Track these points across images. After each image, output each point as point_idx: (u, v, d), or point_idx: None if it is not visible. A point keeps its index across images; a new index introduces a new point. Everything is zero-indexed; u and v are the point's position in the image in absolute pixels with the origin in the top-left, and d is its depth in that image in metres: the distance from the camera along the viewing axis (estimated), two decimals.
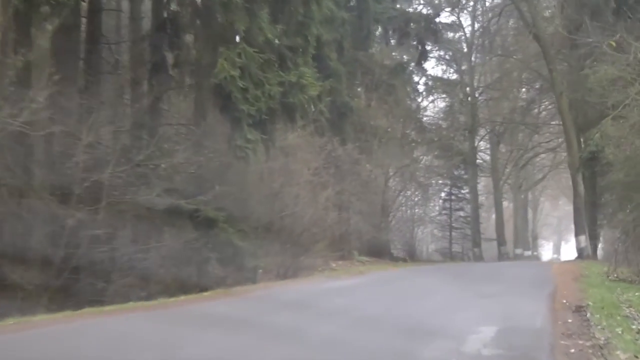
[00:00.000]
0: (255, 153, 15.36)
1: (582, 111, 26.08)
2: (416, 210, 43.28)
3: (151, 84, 17.09)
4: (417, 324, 8.36)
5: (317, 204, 21.95)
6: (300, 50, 16.03)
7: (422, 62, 33.88)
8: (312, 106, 16.58)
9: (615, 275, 16.12)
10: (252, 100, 14.92)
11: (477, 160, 40.97)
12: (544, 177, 52.72)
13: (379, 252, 29.63)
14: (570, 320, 9.11)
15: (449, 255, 41.66)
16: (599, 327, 8.32)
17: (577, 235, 24.63)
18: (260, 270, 19.73)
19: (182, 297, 11.35)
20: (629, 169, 16.86)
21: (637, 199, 16.09)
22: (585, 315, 9.47)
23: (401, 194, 39.15)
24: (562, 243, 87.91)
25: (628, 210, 16.38)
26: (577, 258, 28.37)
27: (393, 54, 33.71)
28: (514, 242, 50.73)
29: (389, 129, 30.62)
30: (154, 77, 17.11)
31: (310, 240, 21.33)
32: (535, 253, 61.37)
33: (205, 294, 12.30)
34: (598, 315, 9.25)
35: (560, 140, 49.85)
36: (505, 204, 58.79)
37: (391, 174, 30.12)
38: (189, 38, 18.09)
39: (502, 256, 42.67)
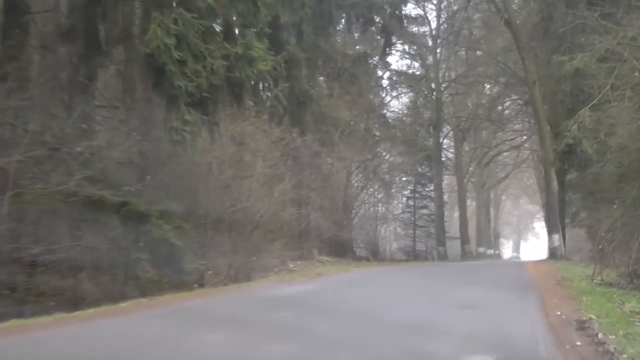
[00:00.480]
0: (194, 137, 12.85)
1: (554, 103, 24.18)
2: (379, 208, 41.22)
3: (79, 59, 14.41)
4: (380, 355, 6.00)
5: (273, 198, 19.51)
6: (250, 19, 13.50)
7: (387, 51, 31.71)
8: (264, 84, 14.07)
9: (600, 279, 14.04)
10: (191, 75, 12.42)
11: (442, 158, 38.87)
12: (507, 176, 51.10)
13: (340, 251, 27.35)
14: (579, 343, 6.89)
15: (412, 254, 39.63)
16: (625, 356, 6.08)
17: (550, 233, 22.63)
18: (210, 272, 17.34)
19: (79, 314, 8.74)
20: (622, 158, 14.78)
21: (628, 192, 13.99)
22: (596, 335, 7.23)
23: (364, 190, 37.05)
24: (521, 242, 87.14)
25: (615, 206, 14.25)
26: (549, 258, 26.67)
27: (357, 47, 31.46)
28: (477, 240, 49.03)
29: (352, 122, 28.31)
30: (84, 52, 14.47)
31: (264, 238, 18.90)
32: (497, 252, 59.89)
33: (123, 305, 9.73)
34: (613, 336, 7.01)
35: (524, 138, 48.41)
36: (467, 202, 57.20)
37: (353, 169, 27.77)
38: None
39: (465, 255, 40.82)
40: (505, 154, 52.09)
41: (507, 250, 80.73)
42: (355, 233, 38.55)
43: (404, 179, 40.67)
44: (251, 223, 18.23)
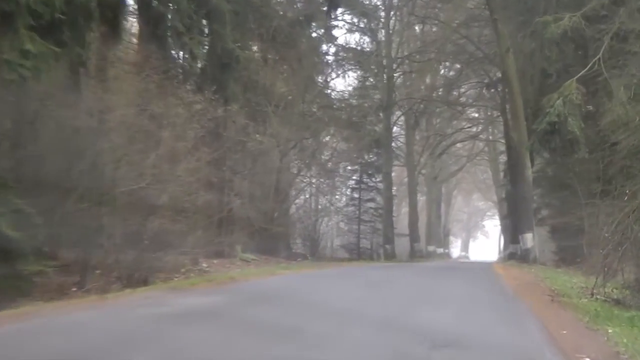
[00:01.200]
0: (39, 75, 8.77)
1: (525, 81, 21.01)
2: (321, 199, 37.61)
3: None
4: None
5: (182, 179, 15.59)
6: None
7: (331, 16, 27.89)
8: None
9: (605, 293, 10.71)
10: None
11: (391, 145, 35.50)
12: (461, 168, 48.32)
13: (273, 247, 23.51)
14: None
15: (356, 252, 36.17)
16: None
17: (521, 232, 19.29)
18: (98, 271, 13.42)
19: None
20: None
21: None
22: None
23: (301, 176, 33.39)
24: (471, 241, 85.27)
25: (626, 197, 10.92)
26: (516, 260, 23.80)
27: (297, 6, 27.57)
28: (427, 238, 46.05)
29: (290, 97, 24.51)
30: None
31: (170, 229, 15.02)
32: (446, 251, 57.25)
33: None
34: None
35: (479, 127, 45.65)
36: (417, 196, 54.24)
37: (289, 149, 23.94)
38: None
39: (414, 254, 37.69)
40: (459, 145, 49.33)
41: (455, 249, 78.62)
42: (293, 227, 35.08)
43: (348, 167, 37.13)
44: (148, 208, 14.40)
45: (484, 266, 22.65)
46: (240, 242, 19.62)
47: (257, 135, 19.95)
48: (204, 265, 16.45)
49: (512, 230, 35.12)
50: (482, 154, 49.26)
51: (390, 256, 31.37)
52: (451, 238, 70.91)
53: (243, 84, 20.34)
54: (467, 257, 76.94)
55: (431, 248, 45.54)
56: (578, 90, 15.63)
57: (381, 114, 33.97)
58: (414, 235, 38.03)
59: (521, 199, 18.84)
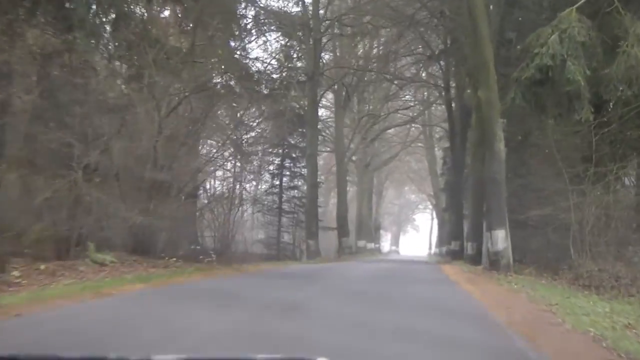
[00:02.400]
0: None
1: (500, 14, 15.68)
2: (237, 185, 31.62)
3: None
4: None
5: None
6: None
7: None
8: None
9: None
10: None
11: (318, 123, 29.88)
12: (396, 156, 43.23)
13: (150, 243, 17.33)
14: None
15: (276, 249, 30.46)
16: None
17: (490, 228, 13.74)
18: None
19: None
20: None
21: None
22: None
23: (212, 158, 27.38)
24: (401, 234, 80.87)
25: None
26: (469, 261, 18.71)
27: None
28: (357, 232, 40.78)
29: (185, 50, 18.35)
30: None
31: None
32: (377, 245, 52.28)
33: None
34: None
35: (415, 113, 40.65)
36: (347, 188, 48.96)
37: (174, 106, 17.57)
38: None
39: (343, 250, 32.24)
40: (391, 131, 44.26)
41: (385, 244, 73.95)
42: (200, 217, 29.03)
43: (269, 150, 31.28)
44: None
45: (430, 271, 17.18)
46: (95, 237, 13.43)
47: (123, 87, 13.76)
48: (14, 274, 10.29)
49: (454, 225, 30.20)
50: (418, 141, 44.38)
51: (314, 253, 25.74)
52: (381, 232, 66.18)
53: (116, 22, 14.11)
54: (398, 252, 72.54)
55: (361, 243, 40.33)
56: (581, 22, 10.41)
57: (306, 87, 28.14)
58: (342, 229, 32.56)
59: (490, 182, 13.40)
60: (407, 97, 38.18)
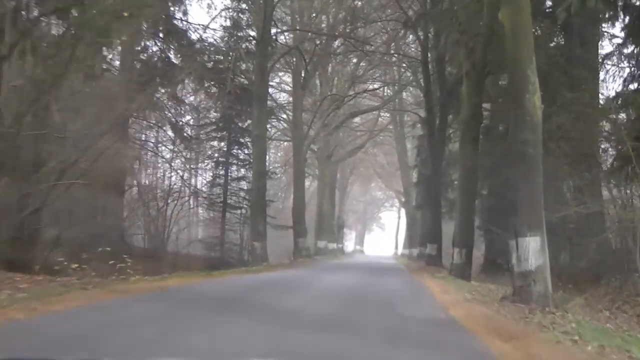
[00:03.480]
0: None
1: None
2: (174, 175, 26.01)
3: None
4: None
5: None
6: None
7: None
8: None
9: None
10: None
11: (267, 97, 24.44)
12: (362, 146, 37.96)
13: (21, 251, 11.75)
14: None
15: (219, 250, 24.95)
16: None
17: (519, 234, 8.19)
18: None
19: None
20: None
21: None
22: None
23: (142, 142, 21.72)
24: (366, 233, 75.70)
25: None
26: (455, 274, 13.64)
27: None
28: (317, 231, 35.44)
29: None
30: None
31: None
32: (340, 245, 47.02)
33: None
34: None
35: (385, 94, 35.44)
36: (307, 181, 43.49)
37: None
38: None
39: (299, 252, 26.91)
40: (357, 120, 39.03)
41: (349, 243, 68.83)
42: (131, 213, 23.44)
43: (213, 134, 25.74)
44: None
45: (414, 294, 11.65)
46: None
47: None
48: None
49: (431, 225, 25.11)
50: (386, 131, 39.23)
51: (260, 258, 20.25)
52: (345, 230, 61.00)
53: None
54: (363, 252, 67.53)
55: (322, 244, 34.99)
56: None
57: (254, 56, 22.63)
58: (298, 228, 27.20)
59: (518, 160, 8.06)
60: (376, 77, 32.93)
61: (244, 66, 24.18)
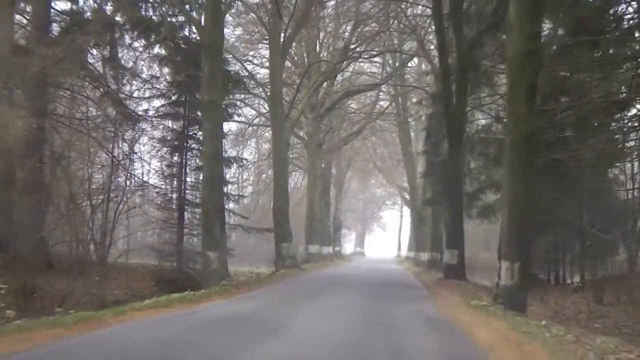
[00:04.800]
0: None
1: None
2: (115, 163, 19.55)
3: None
4: None
5: None
6: None
7: None
8: None
9: None
10: None
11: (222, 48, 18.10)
12: (359, 132, 31.57)
13: None
14: None
15: (176, 259, 18.49)
16: None
17: None
18: None
19: None
20: None
21: None
22: None
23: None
24: (366, 234, 69.21)
25: None
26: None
27: None
28: (307, 234, 29.08)
29: None
30: None
31: None
32: (337, 249, 40.68)
33: None
34: None
35: (386, 71, 29.01)
36: (296, 175, 37.23)
37: None
38: None
39: (282, 261, 20.64)
40: (354, 105, 32.72)
41: (349, 245, 62.48)
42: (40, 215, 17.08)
43: (164, 109, 19.31)
44: None
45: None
46: None
47: None
48: None
49: (451, 226, 18.81)
50: (386, 116, 32.84)
51: (217, 274, 13.85)
52: (344, 231, 54.66)
53: None
54: (364, 254, 61.23)
55: (314, 248, 28.65)
56: None
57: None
58: (282, 231, 20.89)
59: None
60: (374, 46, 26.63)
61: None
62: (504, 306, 9.93)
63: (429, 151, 23.33)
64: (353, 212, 60.04)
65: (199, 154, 18.61)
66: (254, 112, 30.61)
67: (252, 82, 22.94)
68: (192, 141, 19.32)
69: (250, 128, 32.04)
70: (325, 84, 26.23)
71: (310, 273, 20.80)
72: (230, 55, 20.93)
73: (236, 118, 31.67)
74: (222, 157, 15.02)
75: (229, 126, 34.69)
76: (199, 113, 17.72)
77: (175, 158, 19.25)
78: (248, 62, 26.34)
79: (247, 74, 21.65)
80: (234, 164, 18.84)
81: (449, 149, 18.55)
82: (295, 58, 25.15)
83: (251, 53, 26.32)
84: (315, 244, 28.46)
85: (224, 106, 18.09)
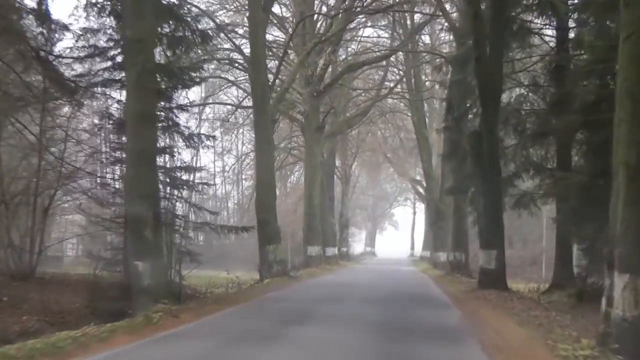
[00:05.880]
0: None
1: None
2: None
3: None
4: None
5: None
6: None
7: None
8: None
9: None
10: None
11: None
12: (366, 113, 26.66)
13: None
14: None
15: (124, 271, 13.69)
16: None
17: None
18: None
19: None
20: None
21: None
22: None
23: None
24: (377, 233, 64.07)
25: None
26: None
27: None
28: (306, 234, 24.26)
29: None
30: None
31: None
32: (344, 249, 35.76)
33: None
34: None
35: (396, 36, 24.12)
36: (297, 173, 32.62)
37: None
38: None
39: (268, 268, 15.93)
40: (359, 82, 27.82)
41: (358, 244, 57.43)
42: None
43: (103, 74, 14.51)
44: None
45: None
46: None
47: None
48: None
49: (489, 219, 13.84)
50: (394, 95, 27.93)
51: (153, 293, 9.13)
52: (353, 230, 49.72)
53: None
54: (374, 254, 56.21)
55: (314, 250, 23.78)
56: None
57: None
58: (268, 231, 16.15)
59: None
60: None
61: None
62: (624, 356, 5.15)
63: (451, 127, 18.39)
64: (362, 209, 55.05)
65: (160, 132, 13.76)
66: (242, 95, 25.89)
67: (227, 41, 18.13)
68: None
69: (239, 113, 27.27)
70: (324, 54, 21.52)
71: (302, 283, 15.93)
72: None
73: (223, 100, 27.01)
74: (153, 120, 10.16)
75: (216, 110, 30.01)
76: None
77: (124, 138, 14.49)
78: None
79: (215, 27, 16.77)
80: (198, 141, 13.96)
81: (483, 116, 13.71)
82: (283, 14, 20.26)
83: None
84: (315, 244, 23.60)
85: (183, 68, 13.44)
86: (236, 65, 22.50)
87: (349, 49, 27.27)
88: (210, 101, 26.23)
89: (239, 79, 24.96)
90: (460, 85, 17.33)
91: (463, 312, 10.03)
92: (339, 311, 9.65)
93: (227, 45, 19.94)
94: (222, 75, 24.59)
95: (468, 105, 17.19)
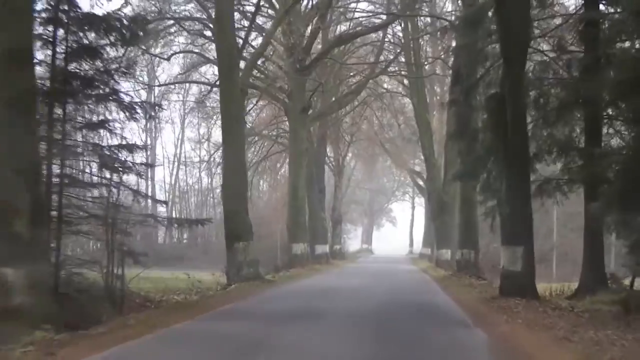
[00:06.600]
0: None
1: None
2: None
3: None
4: None
5: None
6: None
7: None
8: None
9: None
10: None
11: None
12: (358, 92, 23.53)
13: None
14: None
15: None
16: None
17: None
18: None
19: None
20: None
21: None
22: None
23: None
24: (374, 229, 60.85)
25: None
26: None
27: None
28: (291, 230, 21.15)
29: None
30: None
31: None
32: (337, 247, 32.65)
33: None
34: None
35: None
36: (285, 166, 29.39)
37: None
38: None
39: (235, 269, 12.84)
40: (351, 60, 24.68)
41: (354, 242, 54.31)
42: None
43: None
44: None
45: None
46: None
47: None
48: None
49: (514, 206, 10.60)
50: (389, 74, 24.80)
51: (31, 315, 6.05)
52: (348, 226, 46.62)
53: None
54: (371, 251, 53.12)
55: (298, 248, 20.63)
56: None
57: None
58: (238, 225, 13.05)
59: None
60: None
61: None
62: None
63: (459, 101, 15.21)
64: (358, 204, 51.94)
65: (92, 102, 10.56)
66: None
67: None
68: (78, 82, 11.34)
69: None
70: (311, 23, 18.54)
71: (278, 288, 12.77)
72: None
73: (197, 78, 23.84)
74: (29, 62, 7.02)
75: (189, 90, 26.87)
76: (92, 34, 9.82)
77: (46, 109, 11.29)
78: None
79: None
80: (144, 112, 10.76)
81: (504, 75, 10.63)
82: None
83: None
84: (301, 242, 20.46)
85: (122, 19, 10.28)
86: (210, 36, 19.40)
87: (341, 25, 24.18)
88: (180, 80, 23.12)
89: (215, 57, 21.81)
90: (470, 51, 14.28)
91: (489, 336, 6.93)
92: (307, 341, 6.49)
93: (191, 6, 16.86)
94: (195, 51, 21.50)
95: (479, 75, 14.19)
